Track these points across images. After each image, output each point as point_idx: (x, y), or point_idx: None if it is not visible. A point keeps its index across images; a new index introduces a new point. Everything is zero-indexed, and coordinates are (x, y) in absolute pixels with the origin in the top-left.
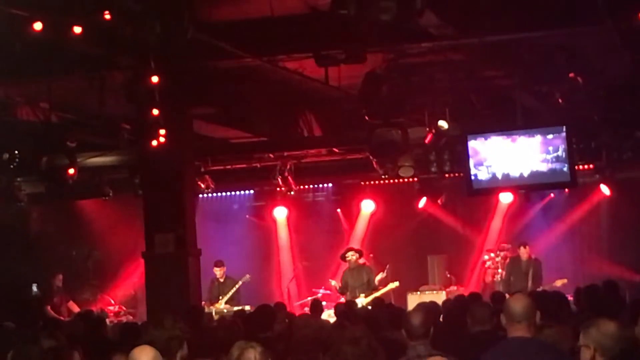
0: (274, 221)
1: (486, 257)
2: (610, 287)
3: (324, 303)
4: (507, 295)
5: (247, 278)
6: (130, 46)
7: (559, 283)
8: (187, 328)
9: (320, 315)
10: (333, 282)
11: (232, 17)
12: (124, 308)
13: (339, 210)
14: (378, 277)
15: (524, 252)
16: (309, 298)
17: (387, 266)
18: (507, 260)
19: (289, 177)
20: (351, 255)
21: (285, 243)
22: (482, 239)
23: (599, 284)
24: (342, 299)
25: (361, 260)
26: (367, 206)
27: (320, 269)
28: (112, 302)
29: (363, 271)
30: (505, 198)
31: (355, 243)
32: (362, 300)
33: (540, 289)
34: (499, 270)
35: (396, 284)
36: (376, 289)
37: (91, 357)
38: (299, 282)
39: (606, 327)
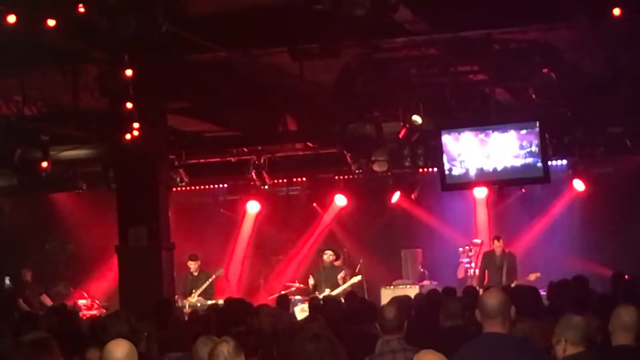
0: (248, 215)
1: (460, 251)
2: (580, 282)
3: (297, 297)
4: (480, 290)
5: (220, 272)
6: (104, 40)
7: (532, 277)
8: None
9: (288, 310)
10: (311, 280)
11: (207, 11)
12: (97, 302)
13: (315, 204)
14: (340, 275)
15: (497, 246)
16: (282, 292)
17: (361, 261)
18: (481, 255)
19: (263, 172)
20: (328, 255)
21: (257, 237)
22: (455, 233)
23: (570, 279)
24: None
25: (337, 262)
26: (340, 201)
27: (294, 263)
28: (86, 295)
29: (335, 272)
30: (479, 193)
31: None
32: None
33: (514, 283)
34: (472, 265)
35: (358, 278)
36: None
37: (64, 350)
38: (272, 276)
39: (573, 320)
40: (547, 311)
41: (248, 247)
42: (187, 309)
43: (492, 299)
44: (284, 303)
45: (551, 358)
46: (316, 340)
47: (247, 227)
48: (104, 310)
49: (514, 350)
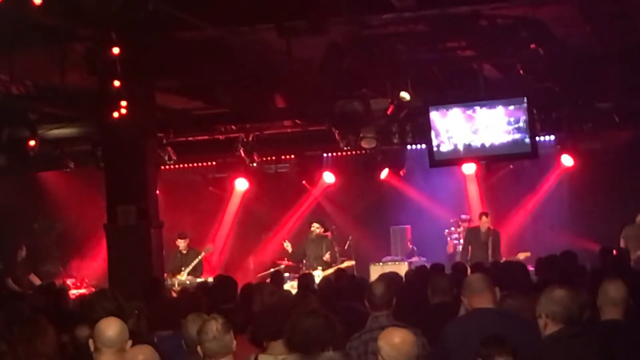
0: (236, 193)
1: (448, 228)
2: (569, 257)
3: (287, 274)
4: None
5: (209, 249)
6: (91, 17)
7: (521, 256)
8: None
9: (282, 286)
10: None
11: None
12: (86, 280)
13: (304, 181)
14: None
15: (485, 222)
16: (272, 270)
17: (350, 237)
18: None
19: (251, 149)
20: (315, 227)
21: (246, 215)
22: (444, 210)
23: (558, 254)
24: (304, 269)
25: (323, 234)
26: (328, 178)
27: (283, 240)
28: (75, 274)
29: (323, 243)
30: (468, 169)
31: (317, 215)
32: (318, 274)
33: (502, 260)
34: (461, 241)
35: (352, 262)
36: (335, 262)
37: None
38: (261, 254)
39: (555, 294)
40: (536, 287)
41: (236, 225)
42: (176, 287)
43: (477, 277)
44: (278, 280)
45: (537, 331)
46: (314, 316)
47: (235, 204)
48: (93, 289)
49: (504, 324)
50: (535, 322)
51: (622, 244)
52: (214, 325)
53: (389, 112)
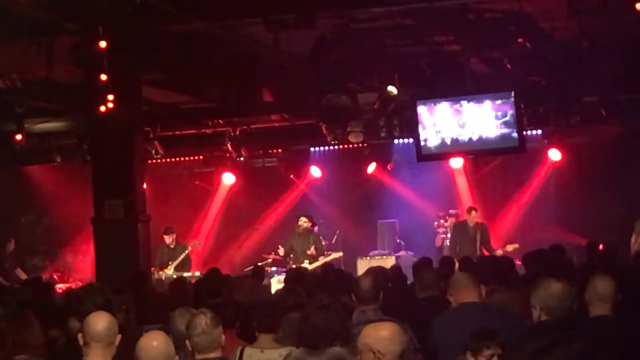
0: (223, 187)
1: (436, 222)
2: (557, 250)
3: (273, 269)
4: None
5: (196, 244)
6: (78, 11)
7: (510, 248)
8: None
9: (262, 281)
10: (280, 251)
11: None
12: (73, 274)
13: (291, 175)
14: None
15: (473, 217)
16: (259, 264)
17: (337, 232)
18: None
19: (239, 143)
20: (303, 221)
21: (233, 209)
22: (431, 204)
23: (546, 248)
24: (291, 263)
25: (310, 229)
26: (315, 172)
27: (270, 234)
28: (61, 268)
29: (310, 237)
30: (455, 163)
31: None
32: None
33: (492, 253)
34: (448, 235)
35: (340, 254)
36: (322, 256)
37: (40, 323)
38: (248, 248)
39: (551, 287)
40: (524, 280)
41: (223, 219)
42: (164, 281)
43: (462, 274)
44: (259, 274)
45: (524, 324)
46: (325, 310)
47: (222, 198)
48: (80, 283)
49: (491, 317)
50: (521, 315)
51: (633, 240)
52: (203, 320)
53: (376, 106)
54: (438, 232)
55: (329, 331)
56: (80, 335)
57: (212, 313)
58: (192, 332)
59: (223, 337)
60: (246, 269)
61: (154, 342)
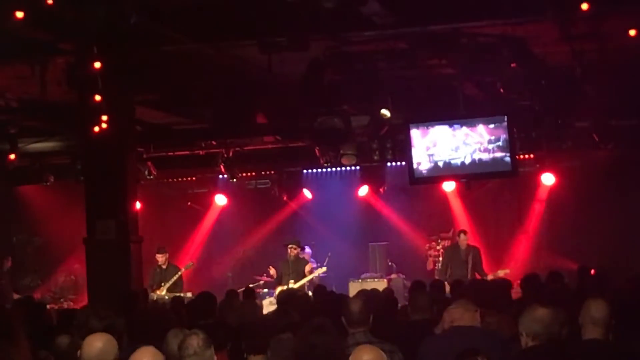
0: (215, 208)
1: (427, 245)
2: (555, 277)
3: (265, 290)
4: (446, 284)
5: (189, 265)
6: (72, 31)
7: (501, 273)
8: (120, 317)
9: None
10: (272, 271)
11: (176, 3)
12: (65, 294)
13: (284, 197)
14: (307, 267)
15: (463, 240)
16: (251, 285)
17: (329, 254)
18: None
19: (231, 165)
20: (292, 249)
21: (226, 230)
22: (423, 227)
23: (540, 274)
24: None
25: (301, 255)
26: (307, 194)
27: (262, 256)
28: (53, 288)
29: (301, 264)
30: (448, 187)
31: (297, 231)
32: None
33: (483, 277)
34: (440, 259)
35: (323, 269)
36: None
37: (32, 342)
38: (240, 270)
39: (536, 313)
40: (518, 305)
41: (216, 240)
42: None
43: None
44: (250, 296)
45: (515, 349)
46: (321, 331)
47: (214, 220)
48: (72, 303)
49: (482, 341)
50: (512, 340)
51: None
52: (195, 341)
53: (369, 130)
54: (430, 256)
55: (326, 353)
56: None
57: (204, 334)
58: (184, 352)
59: (215, 358)
60: (239, 290)
61: (97, 342)
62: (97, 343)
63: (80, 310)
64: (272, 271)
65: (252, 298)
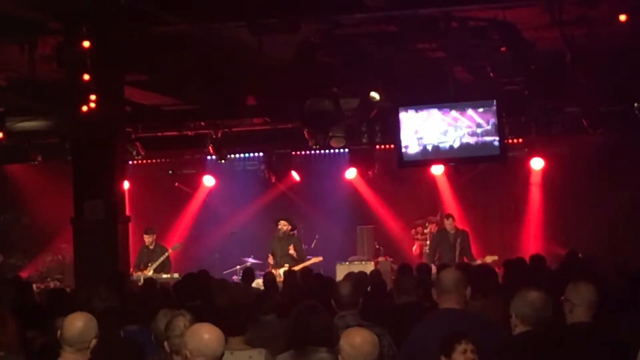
0: (203, 189)
1: (414, 229)
2: (537, 260)
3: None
4: (433, 267)
5: (177, 246)
6: (62, 10)
7: (489, 259)
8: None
9: (251, 283)
10: (270, 259)
11: None
12: (51, 274)
13: (272, 179)
14: (291, 248)
15: (449, 224)
16: (238, 267)
17: (316, 236)
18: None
19: (220, 146)
20: (282, 225)
21: (213, 211)
22: (410, 210)
23: (525, 258)
24: (272, 267)
25: (292, 232)
26: (296, 176)
27: (250, 237)
28: (40, 268)
29: (291, 241)
30: (436, 170)
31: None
32: (284, 271)
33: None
34: (427, 242)
35: (319, 259)
36: (302, 261)
37: (19, 321)
38: (227, 251)
39: (528, 296)
40: (502, 288)
41: (203, 221)
42: (142, 283)
43: (447, 276)
44: (249, 277)
45: (502, 331)
46: (314, 313)
47: (202, 200)
48: (58, 283)
49: (469, 325)
50: (499, 324)
51: None
52: (182, 322)
53: (358, 112)
54: (417, 240)
55: (318, 334)
56: (59, 333)
57: (191, 315)
58: (170, 333)
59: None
60: (225, 271)
61: (77, 322)
62: (78, 322)
63: (82, 290)
64: (270, 259)
65: (251, 279)
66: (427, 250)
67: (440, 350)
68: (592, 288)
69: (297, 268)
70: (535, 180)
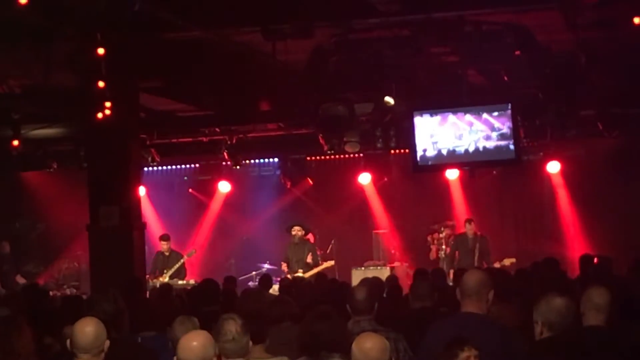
0: (219, 195)
1: (430, 234)
2: (550, 264)
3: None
4: (450, 272)
5: (192, 252)
6: (76, 17)
7: (507, 262)
8: (125, 302)
9: (269, 289)
10: (284, 266)
11: None
12: (68, 281)
13: (288, 185)
14: (309, 256)
15: (469, 229)
16: (254, 273)
17: (332, 241)
18: (451, 236)
19: (235, 152)
20: (297, 231)
21: (228, 217)
22: (426, 215)
23: (540, 261)
24: (286, 273)
25: (306, 237)
26: (310, 181)
27: (265, 243)
28: (56, 274)
29: (305, 247)
30: (451, 174)
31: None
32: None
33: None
34: (443, 247)
35: (332, 263)
36: (317, 265)
37: (36, 328)
38: (243, 257)
39: (553, 302)
40: (517, 293)
41: (218, 227)
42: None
43: (471, 278)
44: (267, 283)
45: (519, 337)
46: (327, 319)
47: (218, 207)
48: (75, 290)
49: (485, 330)
50: (516, 330)
51: None
52: (234, 326)
53: (373, 117)
54: (433, 244)
55: (331, 340)
56: (68, 342)
57: (242, 320)
58: (222, 338)
59: (250, 343)
60: (240, 277)
61: (193, 342)
62: (89, 328)
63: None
64: (284, 266)
65: (269, 286)
66: (443, 255)
67: (443, 357)
68: (603, 292)
69: (308, 274)
70: (551, 183)
